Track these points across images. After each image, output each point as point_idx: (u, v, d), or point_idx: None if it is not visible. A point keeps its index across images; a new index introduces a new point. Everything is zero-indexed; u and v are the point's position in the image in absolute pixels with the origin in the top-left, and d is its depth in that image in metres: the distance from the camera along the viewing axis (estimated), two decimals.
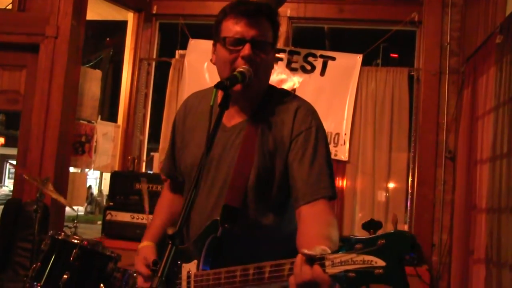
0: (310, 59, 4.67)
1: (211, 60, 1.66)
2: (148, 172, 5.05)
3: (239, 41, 1.52)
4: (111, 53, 5.42)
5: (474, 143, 3.72)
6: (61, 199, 3.22)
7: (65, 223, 4.29)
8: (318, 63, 4.65)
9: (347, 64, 4.61)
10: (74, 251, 2.56)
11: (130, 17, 5.07)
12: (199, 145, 1.63)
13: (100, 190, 21.02)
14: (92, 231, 9.11)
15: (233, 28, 1.53)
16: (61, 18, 4.17)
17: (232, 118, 1.60)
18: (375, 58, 4.98)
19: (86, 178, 4.70)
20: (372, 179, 4.54)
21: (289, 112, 1.59)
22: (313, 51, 4.70)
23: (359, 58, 4.61)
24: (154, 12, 5.08)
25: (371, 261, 0.99)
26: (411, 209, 4.50)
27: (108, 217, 4.18)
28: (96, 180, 22.02)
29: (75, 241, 2.62)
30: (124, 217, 4.18)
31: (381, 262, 0.98)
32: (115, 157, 4.88)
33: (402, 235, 0.98)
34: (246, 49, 1.51)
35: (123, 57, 5.11)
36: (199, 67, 4.80)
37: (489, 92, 3.41)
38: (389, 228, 3.93)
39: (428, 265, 4.12)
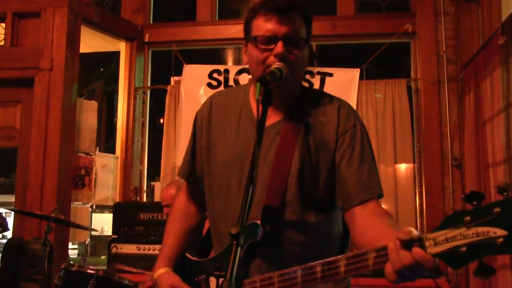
0: (308, 76, 4.64)
1: (244, 61, 1.60)
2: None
3: (271, 39, 1.46)
4: (103, 84, 5.36)
5: (483, 147, 3.69)
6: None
7: None
8: (316, 80, 4.61)
9: (345, 79, 4.59)
10: (91, 282, 2.44)
11: (122, 47, 5.03)
12: (232, 145, 1.56)
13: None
14: None
15: (264, 26, 1.47)
16: (55, 50, 4.11)
17: (268, 118, 1.52)
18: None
19: (89, 212, 4.56)
20: None
21: (331, 110, 1.55)
22: (310, 68, 4.67)
23: (356, 72, 4.58)
24: (146, 40, 5.05)
25: (488, 232, 0.94)
26: (422, 220, 4.43)
27: (113, 250, 4.03)
28: None
29: (91, 271, 2.49)
30: (130, 249, 4.04)
31: (501, 232, 0.92)
32: (115, 189, 4.76)
33: None
34: (278, 47, 1.44)
35: (117, 87, 5.04)
36: (195, 92, 4.74)
37: (496, 93, 3.40)
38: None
39: (446, 276, 4.03)
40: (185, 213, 1.79)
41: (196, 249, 1.76)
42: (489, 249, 0.94)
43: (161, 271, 1.67)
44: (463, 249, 0.97)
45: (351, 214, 1.45)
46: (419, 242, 1.05)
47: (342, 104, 1.58)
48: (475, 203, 0.99)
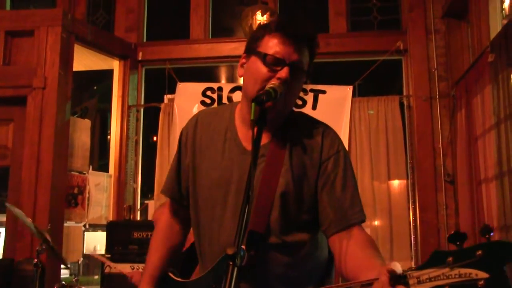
0: (301, 94, 4.62)
1: (239, 73, 1.59)
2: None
3: (279, 62, 1.46)
4: (96, 102, 5.35)
5: (475, 163, 3.72)
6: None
7: None
8: (309, 97, 4.64)
9: (338, 96, 4.62)
10: None
11: (115, 65, 5.04)
12: (217, 166, 1.56)
13: None
14: None
15: (276, 46, 1.47)
16: (48, 68, 4.10)
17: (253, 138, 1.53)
18: None
19: (82, 231, 4.52)
20: (374, 209, 4.48)
21: (316, 136, 1.56)
22: (303, 86, 4.70)
23: (349, 89, 4.63)
24: (140, 58, 5.06)
25: (470, 273, 0.96)
26: (416, 235, 4.43)
27: (107, 269, 3.98)
28: None
29: None
30: (124, 268, 3.97)
31: (482, 274, 0.95)
32: (109, 208, 4.73)
33: (504, 244, 0.95)
34: (284, 72, 1.44)
35: (110, 105, 5.04)
36: (189, 110, 4.74)
37: (487, 110, 3.44)
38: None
39: None
40: (169, 232, 1.77)
41: (178, 268, 1.75)
42: None
43: None
44: None
45: (334, 240, 1.46)
46: (403, 279, 1.06)
47: (326, 129, 1.58)
48: (458, 243, 1.02)
